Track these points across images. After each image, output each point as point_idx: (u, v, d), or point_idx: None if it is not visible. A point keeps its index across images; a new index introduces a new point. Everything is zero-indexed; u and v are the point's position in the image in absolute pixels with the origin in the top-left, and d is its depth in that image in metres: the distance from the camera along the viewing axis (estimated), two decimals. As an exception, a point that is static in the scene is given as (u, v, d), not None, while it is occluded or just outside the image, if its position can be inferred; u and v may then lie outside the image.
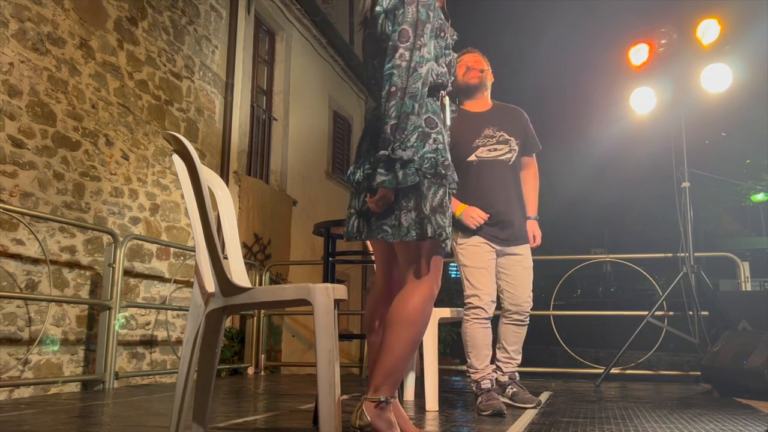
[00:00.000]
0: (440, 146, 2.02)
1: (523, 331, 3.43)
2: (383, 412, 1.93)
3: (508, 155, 3.40)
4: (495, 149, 3.38)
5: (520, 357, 3.46)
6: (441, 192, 2.00)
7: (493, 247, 3.35)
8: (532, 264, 3.47)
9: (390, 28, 1.99)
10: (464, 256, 3.35)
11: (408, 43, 1.91)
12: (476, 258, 3.32)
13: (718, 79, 4.82)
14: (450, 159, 2.05)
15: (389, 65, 1.92)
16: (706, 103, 5.31)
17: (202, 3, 6.08)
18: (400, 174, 1.92)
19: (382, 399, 1.94)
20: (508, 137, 3.41)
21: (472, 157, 3.37)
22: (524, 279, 3.40)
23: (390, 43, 1.94)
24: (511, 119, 3.49)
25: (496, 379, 3.39)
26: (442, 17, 2.14)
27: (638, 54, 5.19)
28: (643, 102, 5.22)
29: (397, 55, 1.91)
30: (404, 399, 3.64)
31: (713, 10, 4.95)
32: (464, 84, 3.47)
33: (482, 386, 3.20)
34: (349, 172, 2.12)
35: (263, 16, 7.48)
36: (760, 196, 16.05)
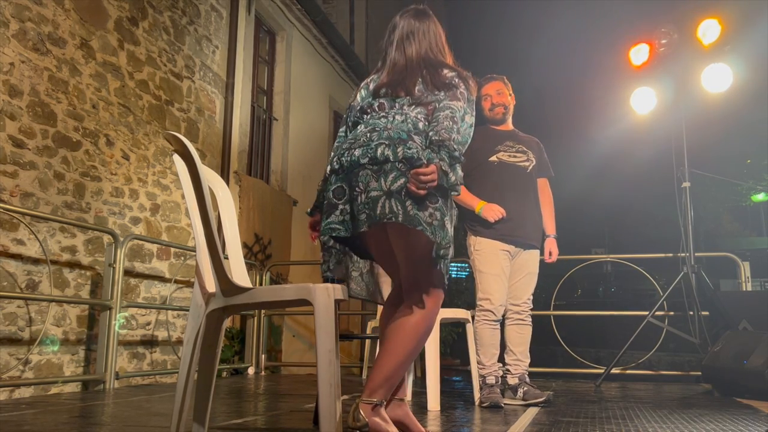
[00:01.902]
0: None
1: (527, 331, 3.63)
2: (378, 414, 1.97)
3: (527, 163, 3.68)
4: (515, 156, 3.66)
5: (528, 360, 3.63)
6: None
7: (508, 251, 3.54)
8: (537, 271, 3.70)
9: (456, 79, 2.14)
10: (480, 261, 3.54)
11: (465, 105, 2.10)
12: (492, 264, 3.51)
13: (718, 79, 4.82)
14: None
15: (452, 103, 2.07)
16: (706, 103, 5.31)
17: (203, 3, 6.08)
18: (459, 173, 2.00)
19: (377, 401, 1.97)
20: (526, 149, 3.71)
21: (494, 158, 3.62)
22: (527, 282, 3.64)
23: (455, 90, 2.11)
24: (529, 141, 3.80)
25: (507, 382, 3.59)
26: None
27: (639, 54, 5.19)
28: (643, 102, 5.22)
29: (459, 105, 2.08)
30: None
31: (714, 10, 4.95)
32: (491, 118, 3.78)
33: (487, 381, 3.46)
34: (357, 154, 2.05)
35: (264, 16, 7.48)
36: (760, 196, 16.04)
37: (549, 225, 3.80)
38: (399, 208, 1.95)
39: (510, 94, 3.78)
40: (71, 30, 4.44)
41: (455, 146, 1.98)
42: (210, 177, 2.27)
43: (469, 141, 2.10)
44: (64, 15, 4.38)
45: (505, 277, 3.52)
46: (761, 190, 15.54)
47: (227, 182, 6.16)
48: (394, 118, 2.11)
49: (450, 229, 2.04)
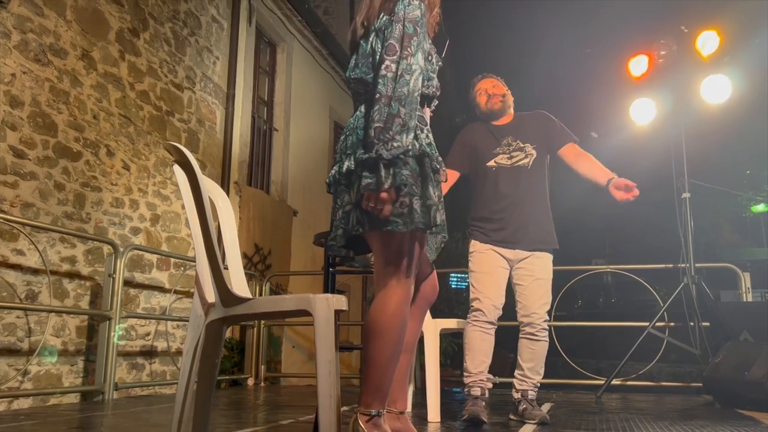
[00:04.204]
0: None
1: (539, 347, 3.30)
2: (377, 427, 1.94)
3: (525, 160, 3.49)
4: (512, 156, 3.50)
5: (537, 377, 3.30)
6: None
7: (503, 255, 3.37)
8: (549, 276, 3.40)
9: (379, 45, 2.06)
10: (472, 262, 3.43)
11: (395, 56, 1.97)
12: (482, 263, 3.38)
13: (717, 90, 4.83)
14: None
15: (376, 76, 1.98)
16: (706, 114, 5.32)
17: (204, 14, 6.11)
18: (383, 174, 1.91)
19: (374, 413, 1.94)
20: (522, 144, 3.51)
21: (491, 163, 3.49)
22: (534, 290, 3.32)
23: (378, 57, 2.02)
24: (531, 125, 3.58)
25: (517, 398, 3.30)
26: (431, 43, 2.18)
27: (638, 65, 5.21)
28: (643, 113, 5.24)
29: (383, 66, 1.96)
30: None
31: (713, 21, 4.97)
32: (488, 110, 3.61)
33: (471, 392, 3.22)
34: (345, 168, 2.06)
35: (264, 27, 7.51)
36: (760, 207, 16.04)
37: (601, 174, 3.50)
38: (363, 215, 1.98)
39: (507, 90, 3.66)
40: (72, 41, 4.46)
41: (373, 145, 1.90)
42: (210, 187, 2.27)
43: (420, 78, 1.99)
44: (65, 26, 4.40)
45: (500, 276, 3.32)
46: (761, 201, 15.55)
47: (227, 193, 6.17)
48: (360, 110, 2.11)
49: (425, 200, 1.98)
